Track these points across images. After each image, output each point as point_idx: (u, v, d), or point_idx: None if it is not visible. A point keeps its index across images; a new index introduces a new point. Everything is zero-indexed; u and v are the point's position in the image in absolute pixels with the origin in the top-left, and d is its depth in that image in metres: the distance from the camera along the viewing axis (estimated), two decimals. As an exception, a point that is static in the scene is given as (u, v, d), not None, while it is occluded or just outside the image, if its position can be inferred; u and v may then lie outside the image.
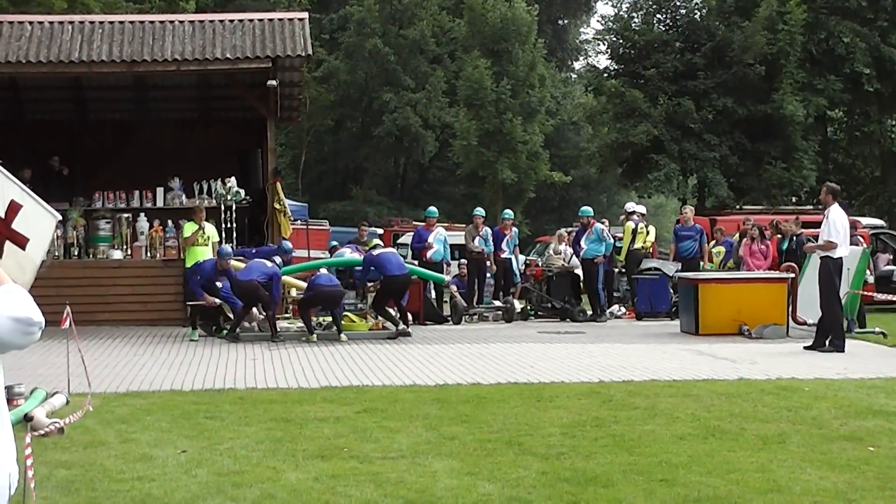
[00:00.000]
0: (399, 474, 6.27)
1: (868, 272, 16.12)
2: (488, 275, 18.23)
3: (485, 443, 7.11)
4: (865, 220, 22.96)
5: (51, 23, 15.71)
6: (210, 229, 14.64)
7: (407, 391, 9.47)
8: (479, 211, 18.61)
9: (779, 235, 17.42)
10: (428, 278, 16.38)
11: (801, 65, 30.16)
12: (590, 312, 17.61)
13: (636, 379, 10.13)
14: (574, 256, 17.93)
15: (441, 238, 17.33)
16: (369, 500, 5.82)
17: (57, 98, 17.67)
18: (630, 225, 18.60)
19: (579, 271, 17.84)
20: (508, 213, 19.78)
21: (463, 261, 18.76)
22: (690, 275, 15.00)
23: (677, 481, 6.12)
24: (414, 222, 20.89)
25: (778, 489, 6.19)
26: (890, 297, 17.04)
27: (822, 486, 6.38)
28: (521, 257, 21.21)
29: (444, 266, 17.51)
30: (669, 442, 7.14)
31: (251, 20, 16.15)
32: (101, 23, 15.89)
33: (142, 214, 15.90)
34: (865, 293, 15.35)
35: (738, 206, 26.76)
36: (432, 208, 18.59)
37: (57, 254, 12.32)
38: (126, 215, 15.75)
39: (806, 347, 12.85)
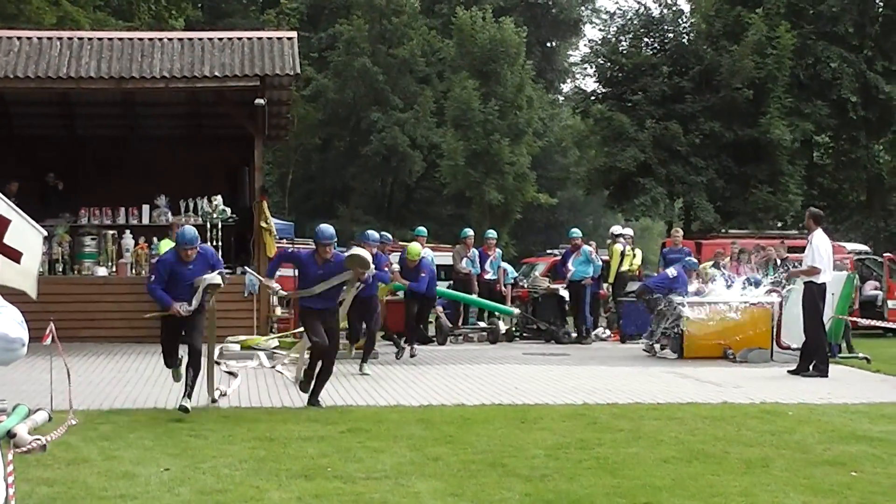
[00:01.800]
0: (382, 495, 6.32)
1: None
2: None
3: (469, 464, 7.17)
4: (850, 246, 23.39)
5: (39, 38, 16.00)
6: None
7: (391, 411, 9.61)
8: (468, 231, 18.65)
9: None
10: (497, 310, 17.12)
11: (789, 90, 30.98)
12: (575, 334, 17.77)
13: (620, 401, 10.22)
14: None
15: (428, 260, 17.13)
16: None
17: (46, 113, 17.78)
18: (618, 248, 18.82)
19: (565, 293, 17.98)
20: (491, 233, 19.72)
21: (449, 282, 18.74)
22: (677, 298, 15.24)
23: (661, 504, 6.12)
24: (401, 242, 20.89)
25: None
26: (874, 322, 17.49)
27: None
28: (511, 269, 21.30)
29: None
30: (653, 465, 7.21)
31: (240, 38, 16.38)
32: (89, 39, 16.18)
33: (127, 231, 16.08)
34: (851, 318, 15.72)
35: (723, 230, 27.05)
36: (421, 228, 18.53)
37: (41, 270, 12.43)
38: (112, 232, 15.94)
39: (790, 372, 13.03)
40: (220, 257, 10.03)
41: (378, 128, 39.01)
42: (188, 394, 8.88)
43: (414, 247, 14.69)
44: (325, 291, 9.24)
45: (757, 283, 15.47)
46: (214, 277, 8.87)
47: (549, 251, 28.05)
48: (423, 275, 14.06)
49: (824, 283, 13.05)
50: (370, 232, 13.90)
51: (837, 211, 33.17)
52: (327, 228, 9.36)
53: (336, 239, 9.12)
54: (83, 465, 7.73)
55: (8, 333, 2.84)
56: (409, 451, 7.64)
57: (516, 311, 17.72)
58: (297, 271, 9.56)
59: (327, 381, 9.55)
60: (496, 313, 18.12)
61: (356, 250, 9.30)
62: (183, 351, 9.46)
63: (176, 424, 9.06)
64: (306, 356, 10.09)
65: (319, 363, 9.29)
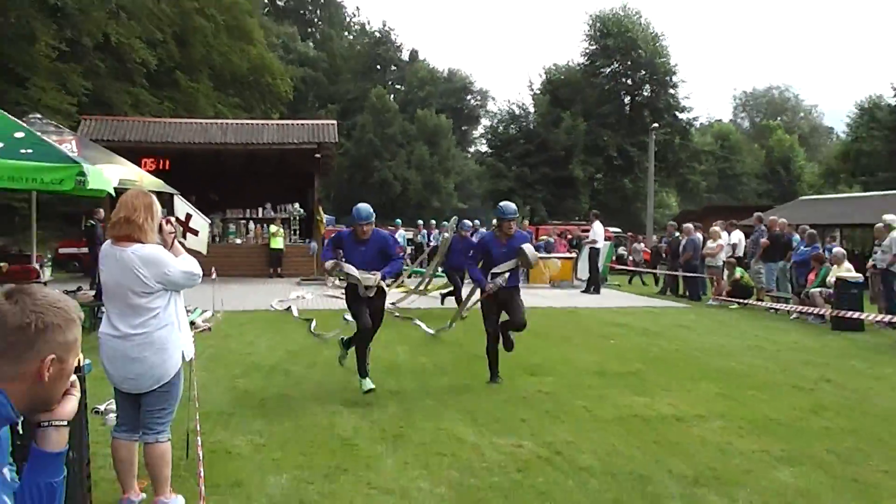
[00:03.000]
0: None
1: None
2: None
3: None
4: (612, 228, 35.13)
5: (204, 123, 26.83)
6: (281, 230, 25.24)
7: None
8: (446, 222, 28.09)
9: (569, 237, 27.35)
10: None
11: (585, 150, 52.93)
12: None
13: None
14: None
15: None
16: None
17: (209, 161, 25.77)
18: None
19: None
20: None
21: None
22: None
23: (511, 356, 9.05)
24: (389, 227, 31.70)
25: (566, 362, 9.84)
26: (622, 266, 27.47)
27: (586, 360, 10.18)
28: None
29: None
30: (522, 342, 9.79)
31: (308, 123, 26.90)
32: (231, 123, 27.19)
33: (251, 221, 26.66)
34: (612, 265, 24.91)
35: (549, 222, 41.32)
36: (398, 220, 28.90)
37: (209, 240, 17.27)
38: (242, 221, 26.13)
39: (582, 291, 20.74)
40: (394, 243, 8.60)
41: (377, 169, 60.75)
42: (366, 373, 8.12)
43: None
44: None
45: (571, 246, 24.39)
46: (369, 279, 7.90)
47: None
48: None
49: (599, 248, 20.65)
50: (465, 221, 17.08)
51: (605, 211, 46.77)
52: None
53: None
54: (229, 338, 11.37)
55: (194, 271, 4.54)
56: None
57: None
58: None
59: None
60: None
61: (527, 248, 8.51)
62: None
63: (276, 318, 14.04)
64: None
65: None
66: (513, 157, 53.62)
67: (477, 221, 24.03)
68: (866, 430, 6.81)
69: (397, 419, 6.83)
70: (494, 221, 9.22)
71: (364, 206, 8.18)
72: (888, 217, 15.05)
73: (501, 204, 9.13)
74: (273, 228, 25.10)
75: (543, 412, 7.20)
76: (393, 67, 73.61)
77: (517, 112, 56.54)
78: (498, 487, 5.09)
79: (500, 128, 57.10)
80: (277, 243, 24.87)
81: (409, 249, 28.31)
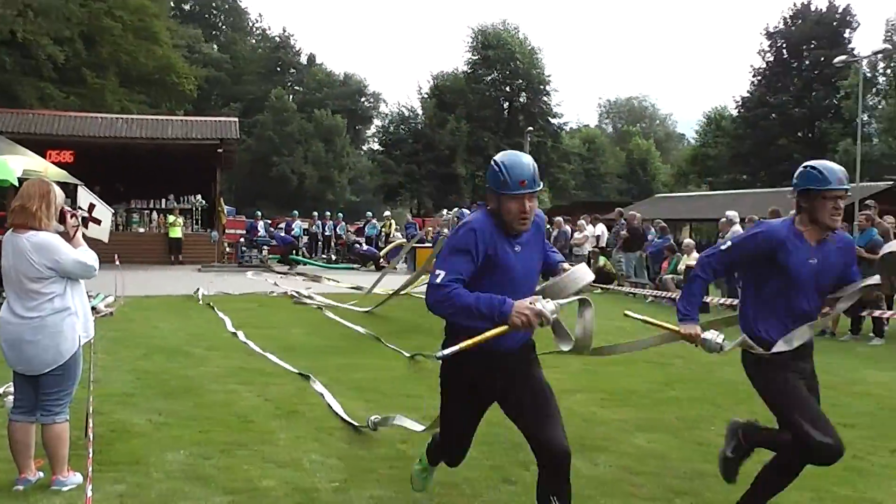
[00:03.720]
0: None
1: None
2: None
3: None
4: None
5: (112, 118, 25.93)
6: (180, 220, 24.57)
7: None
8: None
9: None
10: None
11: (467, 149, 54.47)
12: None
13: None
14: None
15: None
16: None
17: (113, 155, 24.95)
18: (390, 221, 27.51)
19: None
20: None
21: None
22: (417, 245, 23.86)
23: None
24: (287, 218, 30.73)
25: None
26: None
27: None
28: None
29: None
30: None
31: (214, 120, 26.10)
32: (137, 119, 26.29)
33: (154, 211, 25.83)
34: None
35: (434, 214, 39.97)
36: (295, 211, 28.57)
37: (111, 229, 18.50)
38: (145, 211, 25.08)
39: None
40: None
41: (276, 164, 60.93)
42: None
43: None
44: None
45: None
46: None
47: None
48: None
49: None
50: (464, 210, 15.98)
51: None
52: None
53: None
54: (132, 322, 11.14)
55: (88, 262, 4.40)
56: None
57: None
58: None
59: None
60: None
61: None
62: None
63: (178, 303, 13.71)
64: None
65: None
66: (402, 154, 53.34)
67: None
68: (710, 399, 7.07)
69: (292, 397, 6.69)
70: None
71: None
72: (730, 213, 15.72)
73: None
74: (171, 218, 24.50)
75: (427, 388, 7.16)
76: (292, 70, 72.68)
77: (407, 114, 56.43)
78: (385, 457, 5.04)
79: (391, 128, 56.67)
80: (176, 232, 24.22)
81: (304, 239, 27.98)
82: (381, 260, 24.42)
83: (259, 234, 25.32)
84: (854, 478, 4.88)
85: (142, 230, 25.11)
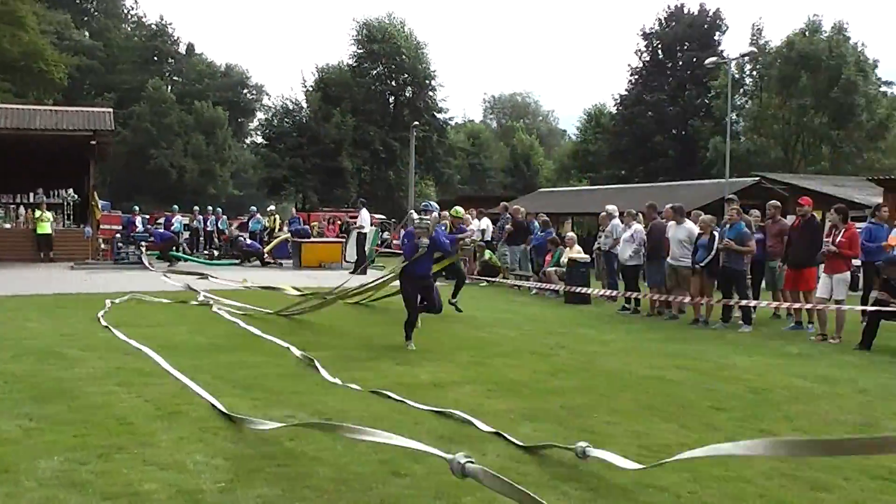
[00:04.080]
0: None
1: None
2: None
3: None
4: (378, 216, 35.09)
5: None
6: (48, 215, 23.18)
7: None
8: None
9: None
10: None
11: (353, 142, 54.70)
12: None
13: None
14: None
15: None
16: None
17: None
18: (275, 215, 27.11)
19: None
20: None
21: None
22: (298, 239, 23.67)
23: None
24: (166, 213, 29.72)
25: (341, 335, 11.43)
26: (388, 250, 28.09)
27: (357, 334, 11.23)
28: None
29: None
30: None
31: (86, 111, 24.61)
32: (1, 108, 24.42)
33: (21, 206, 24.57)
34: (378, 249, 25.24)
35: (320, 209, 39.30)
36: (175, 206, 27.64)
37: None
38: (12, 206, 23.70)
39: (350, 273, 19.92)
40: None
41: (154, 157, 59.73)
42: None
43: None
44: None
45: (340, 231, 24.48)
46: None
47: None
48: None
49: (366, 233, 20.93)
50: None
51: (372, 200, 48.34)
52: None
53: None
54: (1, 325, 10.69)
55: None
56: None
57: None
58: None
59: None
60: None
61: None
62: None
63: (50, 302, 13.27)
64: None
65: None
66: (286, 148, 52.40)
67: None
68: (593, 388, 7.28)
69: (173, 397, 6.47)
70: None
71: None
72: (610, 207, 16.22)
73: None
74: (38, 213, 23.12)
75: (314, 384, 7.12)
76: (170, 60, 70.41)
77: (291, 107, 55.44)
78: (272, 456, 4.94)
79: (275, 121, 55.53)
80: (44, 228, 22.96)
81: (185, 235, 27.19)
82: (266, 256, 24.03)
83: (137, 229, 24.43)
84: (726, 458, 5.13)
85: (8, 226, 23.81)
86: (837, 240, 11.10)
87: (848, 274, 11.26)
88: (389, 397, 6.56)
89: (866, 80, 41.81)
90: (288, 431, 5.43)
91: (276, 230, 27.00)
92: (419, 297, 9.57)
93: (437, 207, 10.35)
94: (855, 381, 7.95)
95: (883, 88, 46.41)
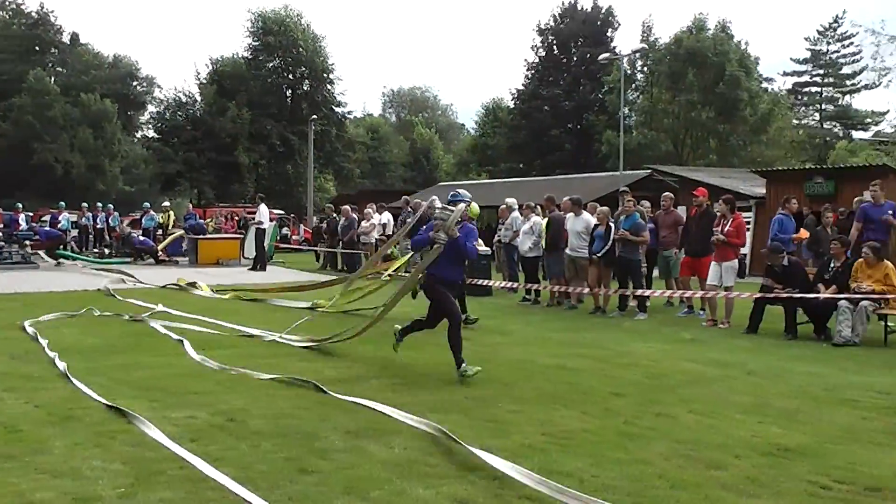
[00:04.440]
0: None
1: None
2: None
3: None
4: (276, 211, 34.93)
5: None
6: None
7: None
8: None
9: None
10: None
11: (249, 137, 52.72)
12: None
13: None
14: None
15: None
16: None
17: None
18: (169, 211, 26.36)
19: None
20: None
21: None
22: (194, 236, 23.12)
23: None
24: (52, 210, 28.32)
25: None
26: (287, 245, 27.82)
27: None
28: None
29: None
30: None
31: None
32: None
33: None
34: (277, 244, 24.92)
35: (217, 205, 41.10)
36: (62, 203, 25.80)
37: None
38: None
39: (249, 269, 20.55)
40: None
41: (38, 151, 55.14)
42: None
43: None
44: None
45: (238, 227, 23.96)
46: None
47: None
48: None
49: (265, 228, 20.67)
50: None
51: (270, 195, 47.54)
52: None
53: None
54: None
55: None
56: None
57: None
58: None
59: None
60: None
61: None
62: None
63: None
64: None
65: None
66: (180, 142, 51.05)
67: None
68: (497, 378, 7.39)
69: (66, 401, 6.20)
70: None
71: None
72: (510, 200, 16.45)
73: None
74: None
75: (215, 383, 6.97)
76: (53, 50, 66.93)
77: (184, 100, 53.88)
78: (173, 458, 4.80)
79: (168, 114, 53.82)
80: None
81: (73, 232, 26.15)
82: (160, 253, 23.39)
83: (21, 227, 23.30)
84: (626, 442, 5.31)
85: None
86: (725, 229, 11.62)
87: (736, 262, 11.81)
88: (300, 387, 6.51)
89: (749, 76, 43.71)
90: (190, 431, 5.32)
91: (171, 227, 26.28)
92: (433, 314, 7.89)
93: (469, 199, 8.07)
94: (745, 364, 8.35)
95: (764, 84, 48.83)
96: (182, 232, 24.87)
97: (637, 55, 43.37)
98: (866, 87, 57.83)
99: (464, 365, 7.24)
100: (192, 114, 52.75)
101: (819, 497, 4.33)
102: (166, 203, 28.45)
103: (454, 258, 7.73)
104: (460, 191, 8.22)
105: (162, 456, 4.85)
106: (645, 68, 47.08)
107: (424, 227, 7.97)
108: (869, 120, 59.80)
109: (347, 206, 21.82)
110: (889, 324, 10.08)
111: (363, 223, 20.66)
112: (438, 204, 8.15)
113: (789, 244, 12.72)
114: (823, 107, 61.61)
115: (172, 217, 27.02)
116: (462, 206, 7.85)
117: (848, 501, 4.28)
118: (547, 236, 14.03)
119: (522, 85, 54.96)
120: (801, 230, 12.90)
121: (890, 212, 12.12)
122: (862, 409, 6.37)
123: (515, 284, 14.48)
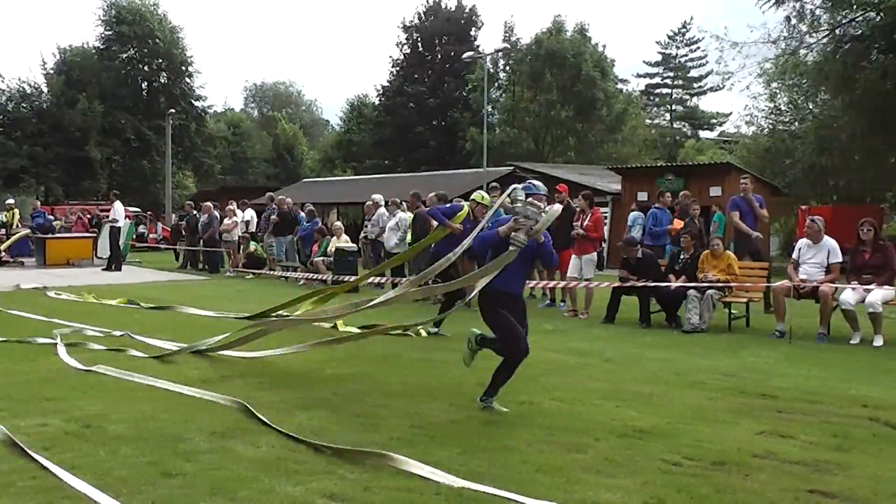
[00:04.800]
0: None
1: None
2: None
3: None
4: (132, 208, 33.25)
5: None
6: None
7: None
8: None
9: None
10: None
11: (101, 130, 49.51)
12: None
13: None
14: None
15: None
16: None
17: None
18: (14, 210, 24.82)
19: None
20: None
21: None
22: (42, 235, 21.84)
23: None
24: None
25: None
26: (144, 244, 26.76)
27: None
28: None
29: None
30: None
31: None
32: None
33: None
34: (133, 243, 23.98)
35: (67, 202, 40.38)
36: None
37: None
38: None
39: (103, 269, 19.62)
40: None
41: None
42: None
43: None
44: None
45: (91, 226, 22.83)
46: None
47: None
48: None
49: (120, 226, 20.24)
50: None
51: (125, 192, 48.02)
52: None
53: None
54: None
55: None
56: None
57: None
58: None
59: None
60: None
61: None
62: None
63: None
64: None
65: None
66: (24, 136, 47.55)
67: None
68: (365, 374, 7.42)
69: None
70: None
71: None
72: (376, 196, 16.53)
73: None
74: None
75: (69, 389, 6.63)
76: None
77: (29, 91, 50.31)
78: (24, 469, 4.54)
79: (10, 106, 49.83)
80: None
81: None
82: (3, 254, 22.05)
83: None
84: (492, 430, 5.46)
85: None
86: (585, 223, 12.11)
87: (595, 255, 12.31)
88: (162, 391, 6.32)
89: (605, 77, 45.58)
90: (42, 440, 5.06)
91: (15, 226, 24.74)
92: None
93: (545, 193, 6.50)
94: (603, 352, 8.73)
95: (619, 85, 51.05)
96: (28, 231, 23.52)
97: (499, 54, 44.38)
98: (712, 89, 61.69)
99: (493, 400, 6.03)
100: (38, 106, 49.44)
101: (671, 473, 4.59)
102: (10, 200, 26.70)
103: (524, 267, 6.41)
104: (535, 182, 6.64)
105: (11, 467, 4.58)
106: (507, 67, 48.16)
107: (493, 223, 6.51)
108: (714, 120, 63.75)
109: (209, 203, 21.25)
110: (732, 311, 10.81)
111: (225, 220, 20.20)
112: (521, 195, 6.22)
113: (665, 236, 13.38)
114: (673, 107, 65.15)
115: (17, 215, 25.42)
116: (557, 207, 6.60)
117: (696, 476, 4.55)
118: (412, 232, 14.16)
119: (387, 81, 55.10)
120: (675, 221, 13.58)
121: (756, 204, 12.85)
122: (709, 391, 6.80)
123: (382, 280, 14.54)
